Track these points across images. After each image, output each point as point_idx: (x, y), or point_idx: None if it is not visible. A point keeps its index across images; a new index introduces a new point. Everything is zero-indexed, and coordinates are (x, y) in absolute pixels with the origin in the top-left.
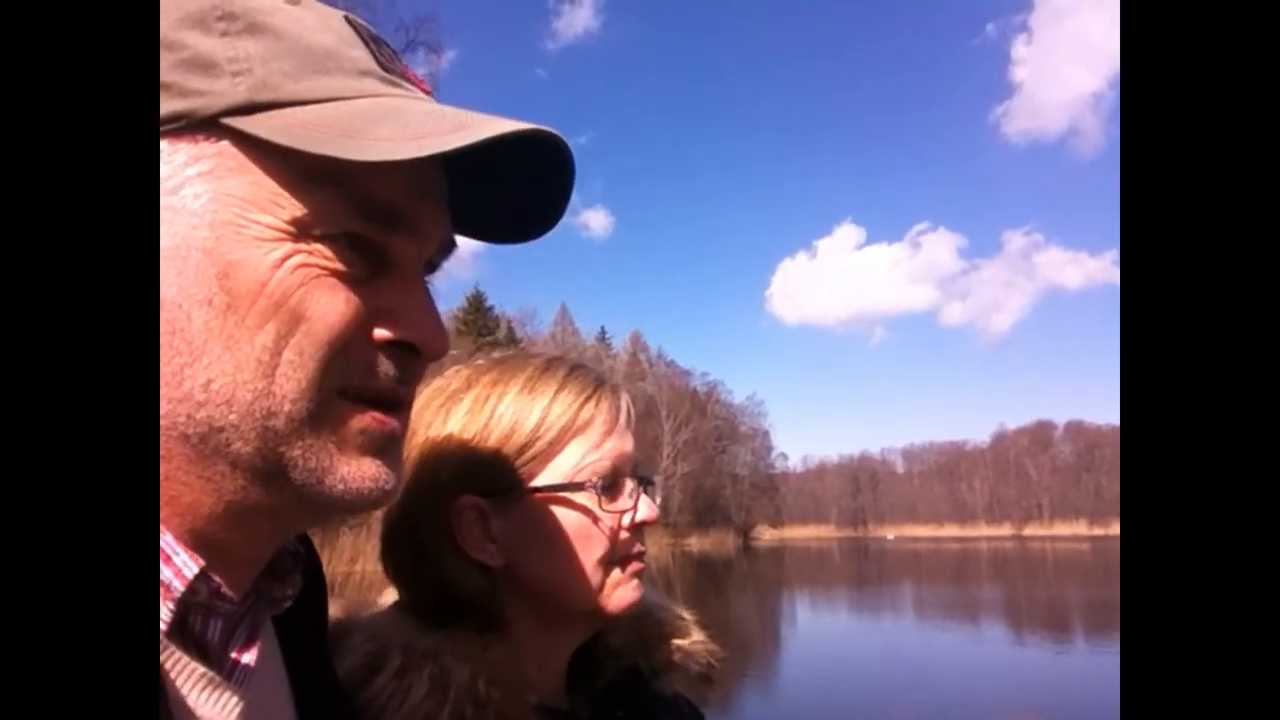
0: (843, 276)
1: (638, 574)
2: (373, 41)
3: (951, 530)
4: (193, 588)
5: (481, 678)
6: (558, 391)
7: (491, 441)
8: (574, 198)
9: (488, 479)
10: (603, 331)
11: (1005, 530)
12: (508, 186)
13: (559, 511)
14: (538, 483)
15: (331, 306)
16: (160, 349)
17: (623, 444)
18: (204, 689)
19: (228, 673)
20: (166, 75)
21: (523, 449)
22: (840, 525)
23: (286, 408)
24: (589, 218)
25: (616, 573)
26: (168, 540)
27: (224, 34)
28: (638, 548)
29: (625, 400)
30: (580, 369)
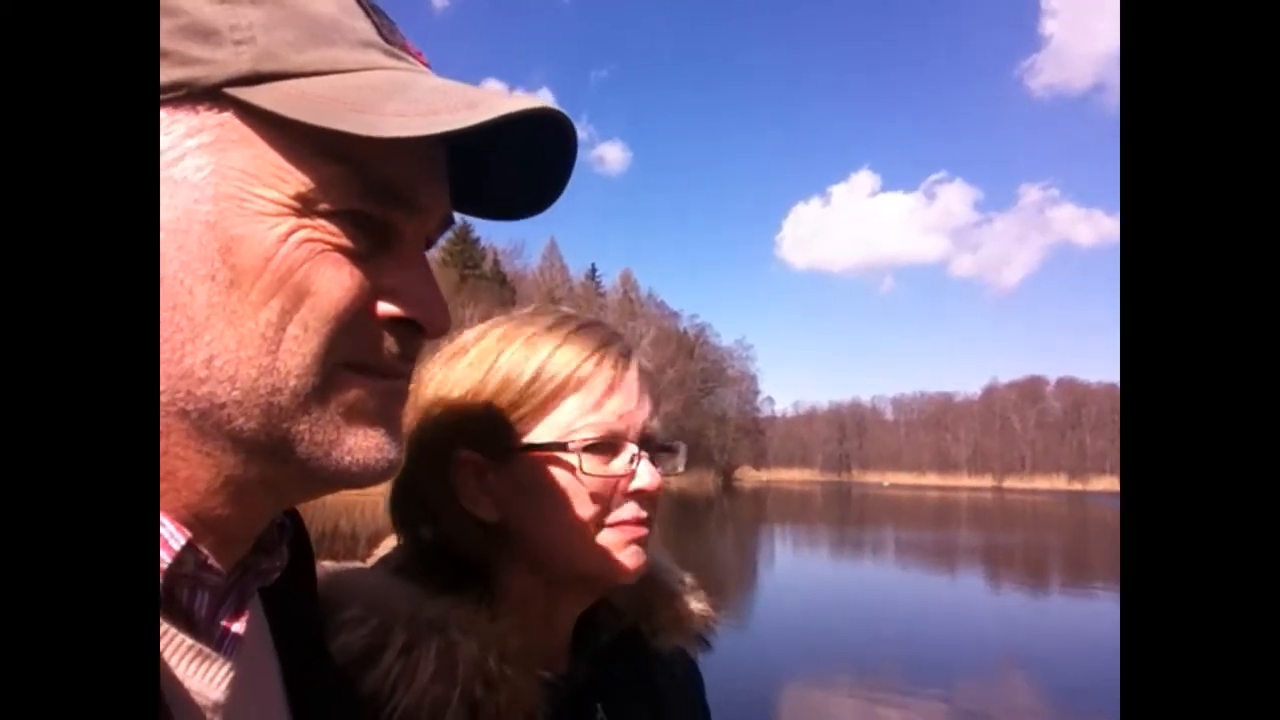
0: (855, 223)
1: (637, 541)
2: (373, 11)
3: (933, 479)
4: (179, 559)
5: (491, 654)
6: (559, 346)
7: (486, 396)
8: (591, 130)
9: (484, 434)
10: (593, 269)
11: (986, 481)
12: (506, 164)
13: (550, 471)
14: (530, 440)
15: (337, 282)
16: (160, 325)
17: (626, 405)
18: (192, 660)
19: (215, 644)
20: (165, 42)
21: (515, 404)
22: (825, 470)
23: (291, 383)
24: (605, 151)
25: (610, 537)
26: None
27: (223, 0)
28: (637, 514)
29: (638, 362)
30: (592, 326)
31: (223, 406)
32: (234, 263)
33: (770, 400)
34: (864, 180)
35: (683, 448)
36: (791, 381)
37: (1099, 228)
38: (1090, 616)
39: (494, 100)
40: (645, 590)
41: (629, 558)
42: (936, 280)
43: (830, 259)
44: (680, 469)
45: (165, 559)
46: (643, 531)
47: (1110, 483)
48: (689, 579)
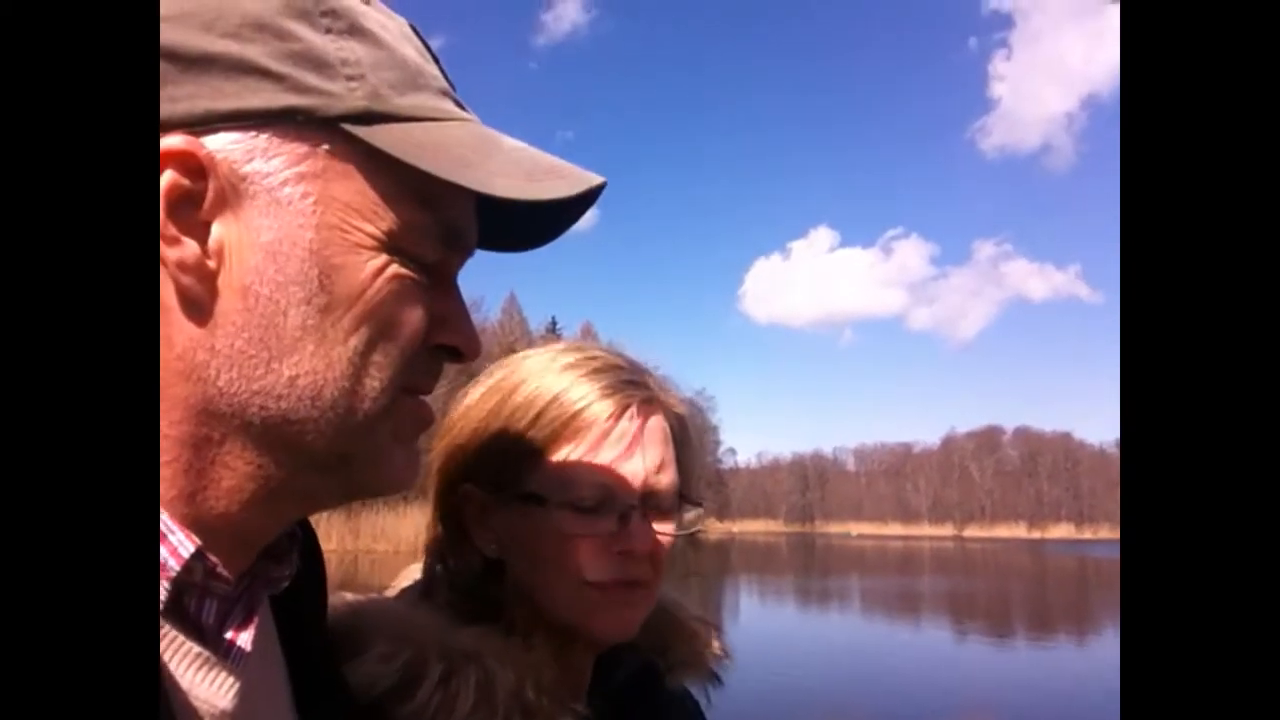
0: (815, 278)
1: (627, 602)
2: (437, 59)
3: (895, 529)
4: (188, 567)
5: (529, 683)
6: (564, 389)
7: (492, 432)
8: None
9: (486, 473)
10: (553, 322)
11: (947, 530)
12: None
13: (537, 522)
14: (524, 486)
15: (415, 315)
16: (246, 342)
17: (624, 459)
18: (199, 669)
19: (223, 652)
20: (276, 64)
21: (514, 446)
22: (789, 520)
23: (367, 406)
24: None
25: (594, 597)
26: (164, 520)
27: (329, 30)
28: (627, 574)
29: (660, 415)
30: (609, 369)
31: (295, 423)
32: (332, 289)
33: (732, 451)
34: (823, 236)
35: (695, 506)
36: (754, 433)
37: (1050, 281)
38: (1056, 665)
39: (575, 175)
40: (662, 627)
41: (615, 619)
42: (894, 333)
43: (791, 313)
44: (697, 529)
45: (174, 566)
46: (634, 593)
47: (1067, 530)
48: (705, 616)
